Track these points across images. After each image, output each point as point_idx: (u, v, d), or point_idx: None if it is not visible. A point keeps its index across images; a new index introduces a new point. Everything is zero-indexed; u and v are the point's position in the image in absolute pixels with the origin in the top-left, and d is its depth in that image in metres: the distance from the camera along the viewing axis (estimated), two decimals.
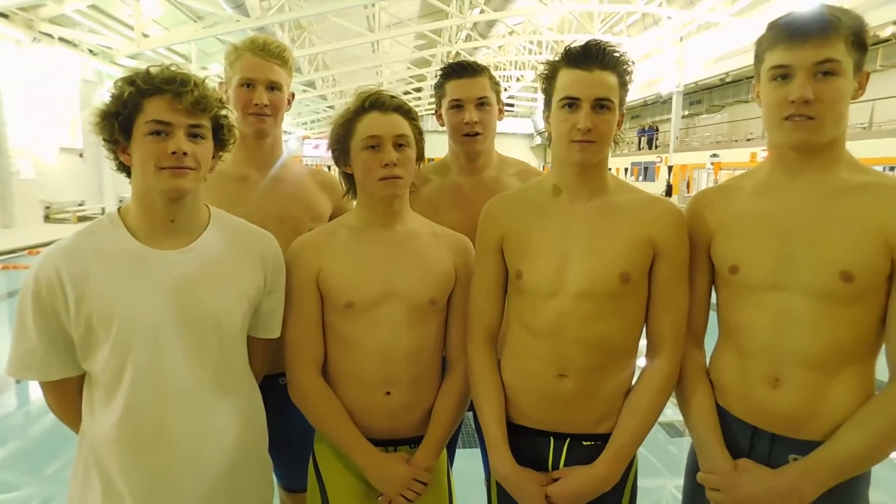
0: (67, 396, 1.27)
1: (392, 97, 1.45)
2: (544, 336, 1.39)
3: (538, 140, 42.78)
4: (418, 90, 32.63)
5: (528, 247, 1.41)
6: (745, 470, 1.29)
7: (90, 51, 15.65)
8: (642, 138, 29.83)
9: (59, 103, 15.41)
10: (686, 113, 26.80)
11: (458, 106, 1.81)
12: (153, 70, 1.20)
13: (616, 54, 1.32)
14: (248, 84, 1.67)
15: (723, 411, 1.38)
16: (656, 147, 28.63)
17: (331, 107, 29.95)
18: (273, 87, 1.69)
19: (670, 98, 24.98)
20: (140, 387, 1.19)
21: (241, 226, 1.40)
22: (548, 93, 1.38)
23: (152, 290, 1.20)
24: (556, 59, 1.35)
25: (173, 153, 1.17)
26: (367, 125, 1.42)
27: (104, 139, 1.21)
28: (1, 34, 13.21)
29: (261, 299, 1.38)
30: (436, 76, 1.92)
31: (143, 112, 1.17)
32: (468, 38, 24.15)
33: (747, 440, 1.33)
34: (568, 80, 1.31)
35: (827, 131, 1.21)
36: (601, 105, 1.30)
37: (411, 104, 1.58)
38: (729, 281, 1.35)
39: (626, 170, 27.40)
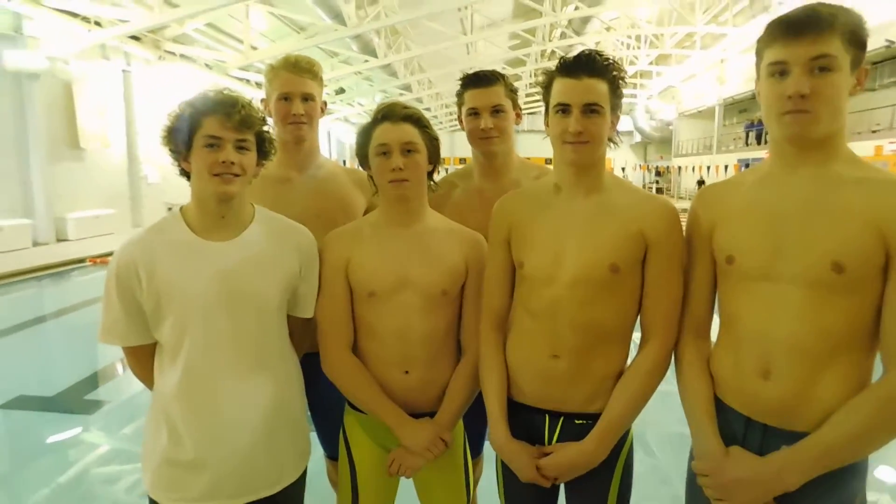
0: (143, 360, 1.56)
1: (404, 108, 1.63)
2: (541, 319, 1.51)
3: (637, 138, 41.11)
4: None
5: (529, 239, 1.54)
6: (732, 456, 1.33)
7: (206, 65, 17.09)
8: (750, 133, 27.93)
9: None
10: None
11: (474, 113, 1.96)
12: (210, 94, 1.47)
13: (606, 62, 1.42)
14: (285, 98, 1.94)
15: (719, 401, 1.41)
16: (765, 142, 26.69)
17: (427, 109, 30.48)
18: (307, 98, 1.96)
19: None
20: (194, 352, 1.46)
21: (281, 221, 1.64)
22: (546, 100, 1.50)
23: (204, 274, 1.46)
24: (553, 69, 1.48)
25: (223, 162, 1.43)
26: (379, 134, 1.61)
27: (170, 150, 1.49)
28: (134, 55, 14.86)
29: (296, 284, 1.61)
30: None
31: (200, 128, 1.44)
32: (563, 36, 23.74)
33: (741, 430, 1.36)
34: (560, 87, 1.44)
35: (823, 125, 1.23)
36: (591, 110, 1.41)
37: None
38: (726, 272, 1.38)
39: (724, 167, 25.62)
